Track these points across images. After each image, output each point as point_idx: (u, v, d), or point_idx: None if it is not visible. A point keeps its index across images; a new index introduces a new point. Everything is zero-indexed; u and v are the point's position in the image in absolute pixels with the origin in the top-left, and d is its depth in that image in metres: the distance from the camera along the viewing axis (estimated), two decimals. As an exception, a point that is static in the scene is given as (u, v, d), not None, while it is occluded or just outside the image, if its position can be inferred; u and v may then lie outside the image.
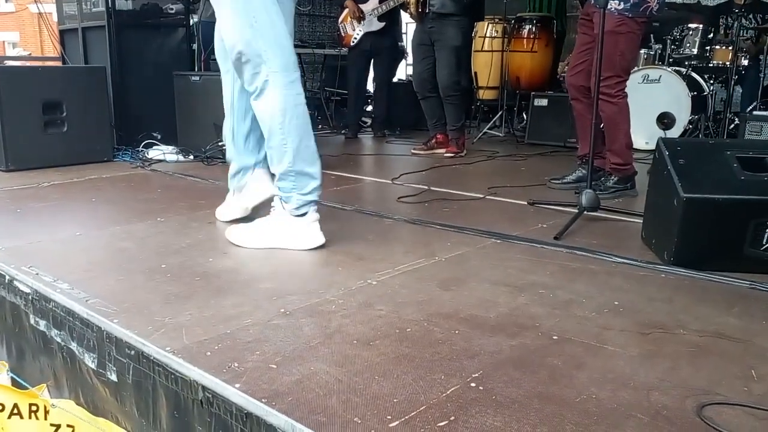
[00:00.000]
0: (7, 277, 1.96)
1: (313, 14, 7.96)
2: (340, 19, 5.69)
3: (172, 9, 4.70)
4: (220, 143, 3.89)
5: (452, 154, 4.56)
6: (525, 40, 5.44)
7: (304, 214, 2.27)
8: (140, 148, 4.36)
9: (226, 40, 2.27)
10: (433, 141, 4.74)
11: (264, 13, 2.18)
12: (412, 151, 4.81)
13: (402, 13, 5.68)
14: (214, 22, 4.53)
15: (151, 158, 4.23)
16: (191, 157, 4.26)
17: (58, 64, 5.04)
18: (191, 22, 4.87)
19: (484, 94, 5.90)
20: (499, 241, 2.38)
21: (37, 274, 1.92)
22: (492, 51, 5.69)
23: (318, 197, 2.31)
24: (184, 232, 2.50)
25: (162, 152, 4.27)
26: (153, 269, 2.01)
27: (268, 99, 2.21)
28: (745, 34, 4.90)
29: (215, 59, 4.53)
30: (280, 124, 2.20)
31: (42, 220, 2.69)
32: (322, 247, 2.28)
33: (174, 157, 4.25)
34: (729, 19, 4.96)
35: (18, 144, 3.80)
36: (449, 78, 4.46)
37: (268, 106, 2.22)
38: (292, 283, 1.89)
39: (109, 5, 4.46)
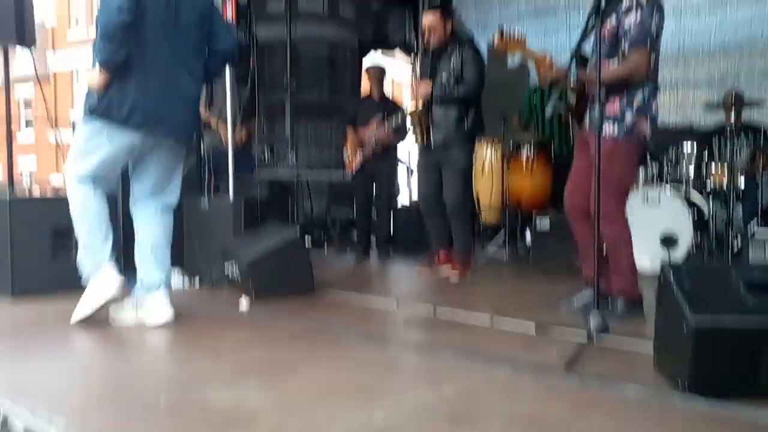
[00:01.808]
0: (2, 415, 1.90)
1: (319, 141, 8.27)
2: (344, 146, 5.96)
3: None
4: (225, 269, 3.92)
5: (457, 276, 4.56)
6: (524, 162, 5.58)
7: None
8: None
9: None
10: (437, 260, 4.76)
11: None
12: (417, 270, 4.81)
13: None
14: (224, 150, 4.73)
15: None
16: (197, 279, 4.27)
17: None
18: (203, 149, 5.03)
19: (487, 216, 5.97)
20: (507, 370, 2.32)
21: (32, 409, 1.87)
22: (492, 173, 5.82)
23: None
24: (186, 362, 2.45)
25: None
26: (151, 404, 1.95)
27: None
28: (739, 155, 5.03)
29: (224, 184, 4.66)
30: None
31: (44, 350, 2.65)
32: (328, 376, 2.22)
33: (180, 282, 4.25)
34: (722, 140, 5.11)
35: (26, 270, 3.82)
36: (457, 198, 4.51)
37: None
38: (294, 420, 1.82)
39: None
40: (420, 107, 4.47)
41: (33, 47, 3.92)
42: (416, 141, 4.70)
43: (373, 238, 6.14)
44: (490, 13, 8.20)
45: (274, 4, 8.02)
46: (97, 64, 2.87)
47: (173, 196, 3.35)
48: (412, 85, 4.57)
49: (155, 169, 3.23)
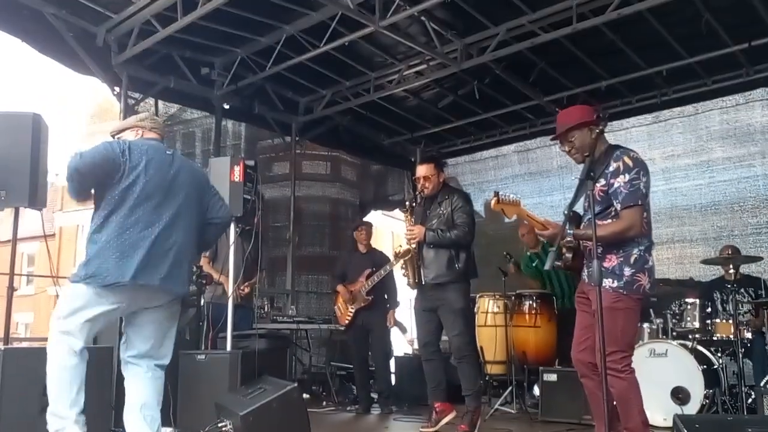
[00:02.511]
0: None
1: (320, 293, 8.30)
2: (334, 302, 6.00)
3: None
4: (219, 424, 3.75)
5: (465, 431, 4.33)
6: (527, 315, 5.55)
7: None
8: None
9: None
10: (435, 414, 4.55)
11: None
12: (420, 430, 4.58)
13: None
14: (224, 303, 4.72)
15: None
16: (189, 438, 4.05)
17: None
18: (202, 302, 5.02)
19: (492, 369, 5.83)
20: None
21: None
22: (495, 326, 5.77)
23: None
24: None
25: (159, 436, 4.07)
26: None
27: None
28: (742, 308, 5.02)
29: (222, 337, 4.61)
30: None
31: None
32: None
33: (170, 439, 4.04)
34: (723, 294, 5.12)
35: (12, 426, 3.64)
36: (461, 339, 4.43)
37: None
38: None
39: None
40: (412, 248, 4.58)
41: (43, 208, 4.05)
42: (408, 283, 4.73)
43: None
44: (485, 175, 8.63)
45: (279, 166, 8.47)
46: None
47: (166, 356, 3.33)
48: (406, 229, 4.68)
49: (149, 331, 3.24)
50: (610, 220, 3.12)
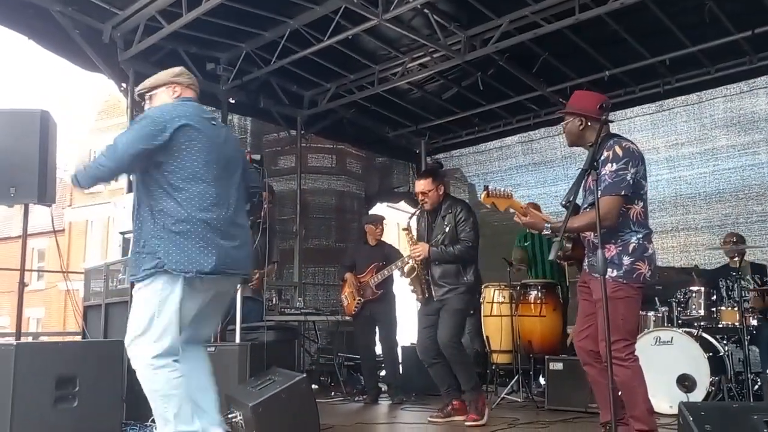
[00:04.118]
0: None
1: (327, 284, 8.35)
2: (341, 291, 6.02)
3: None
4: (230, 415, 3.80)
5: (472, 423, 4.37)
6: (532, 305, 5.58)
7: None
8: (149, 423, 4.23)
9: None
10: (450, 408, 4.59)
11: None
12: (429, 419, 4.64)
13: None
14: (234, 296, 4.72)
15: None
16: None
17: (79, 338, 5.16)
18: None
19: (498, 358, 5.88)
20: None
21: None
22: (501, 316, 5.81)
23: None
24: None
25: None
26: None
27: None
28: (747, 295, 5.03)
29: (232, 329, 4.65)
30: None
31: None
32: None
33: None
34: (728, 281, 5.14)
35: (25, 420, 3.71)
36: (447, 336, 4.45)
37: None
38: None
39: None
40: (417, 266, 4.59)
41: (52, 204, 4.08)
42: (417, 298, 4.75)
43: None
44: (489, 166, 8.64)
45: (285, 160, 8.51)
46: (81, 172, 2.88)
47: (208, 335, 3.27)
48: (409, 247, 4.68)
49: (209, 317, 3.14)
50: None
